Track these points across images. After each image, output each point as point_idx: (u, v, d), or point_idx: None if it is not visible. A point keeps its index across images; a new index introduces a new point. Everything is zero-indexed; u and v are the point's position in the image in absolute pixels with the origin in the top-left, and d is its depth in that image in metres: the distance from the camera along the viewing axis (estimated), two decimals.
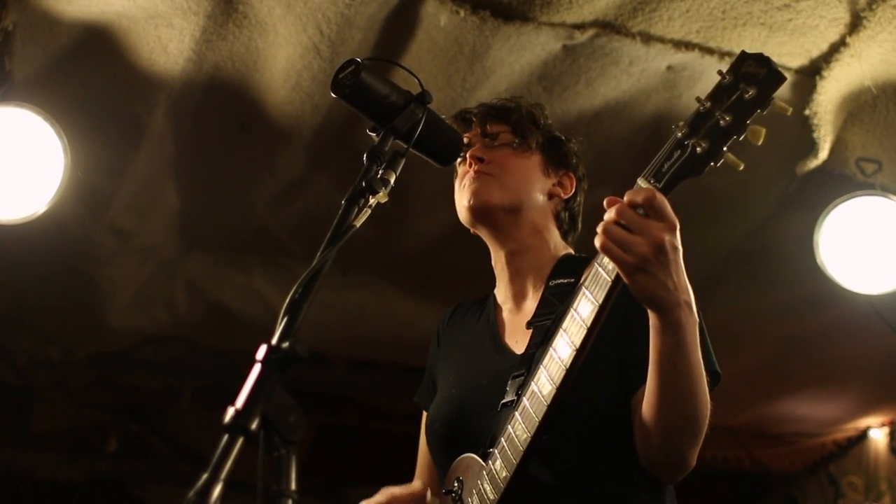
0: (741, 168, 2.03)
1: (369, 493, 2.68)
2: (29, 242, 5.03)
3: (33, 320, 6.46)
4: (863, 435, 7.73)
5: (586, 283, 2.12)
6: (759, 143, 1.98)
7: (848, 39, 4.12)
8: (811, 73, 4.34)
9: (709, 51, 4.23)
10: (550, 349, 2.18)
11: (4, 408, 7.29)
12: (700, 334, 2.16)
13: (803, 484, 8.29)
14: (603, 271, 2.07)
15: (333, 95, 2.28)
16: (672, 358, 2.08)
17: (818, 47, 4.21)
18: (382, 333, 6.45)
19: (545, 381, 2.16)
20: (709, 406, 2.17)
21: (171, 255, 5.78)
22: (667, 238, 1.96)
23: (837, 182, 4.77)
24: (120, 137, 4.79)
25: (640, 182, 2.04)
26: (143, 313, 6.28)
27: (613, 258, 1.98)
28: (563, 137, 2.78)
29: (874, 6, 3.96)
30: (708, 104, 2.01)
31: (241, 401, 1.55)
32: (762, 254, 5.48)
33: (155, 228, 5.51)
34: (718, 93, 2.01)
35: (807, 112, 4.46)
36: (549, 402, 2.13)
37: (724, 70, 2.03)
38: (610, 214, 1.99)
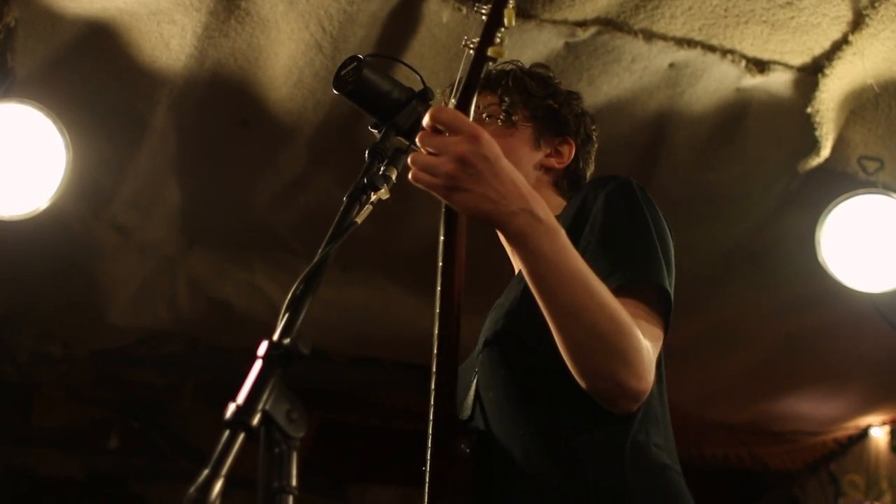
0: (503, 55, 2.02)
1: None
2: (30, 239, 5.03)
3: (34, 316, 6.47)
4: (863, 433, 7.73)
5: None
6: (511, 24, 1.97)
7: (850, 37, 4.12)
8: (813, 71, 4.34)
9: (711, 48, 4.24)
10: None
11: (5, 404, 7.30)
12: (635, 240, 2.15)
13: (804, 482, 8.29)
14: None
15: (335, 92, 2.28)
16: (537, 272, 2.01)
17: (820, 45, 4.21)
18: (384, 330, 6.46)
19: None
20: (624, 319, 2.03)
21: (172, 251, 5.78)
22: (467, 149, 1.91)
23: (839, 180, 4.77)
24: (122, 134, 4.79)
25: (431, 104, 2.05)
26: (144, 310, 6.28)
27: (425, 185, 1.95)
28: (558, 104, 2.71)
29: (877, 4, 3.96)
30: (474, 6, 2.05)
31: (242, 397, 1.55)
32: (763, 252, 5.48)
33: (156, 225, 5.52)
34: None
35: (809, 110, 4.46)
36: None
37: None
38: (416, 145, 1.98)
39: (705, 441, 7.97)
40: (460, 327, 2.16)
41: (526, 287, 2.15)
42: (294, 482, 1.52)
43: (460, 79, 2.02)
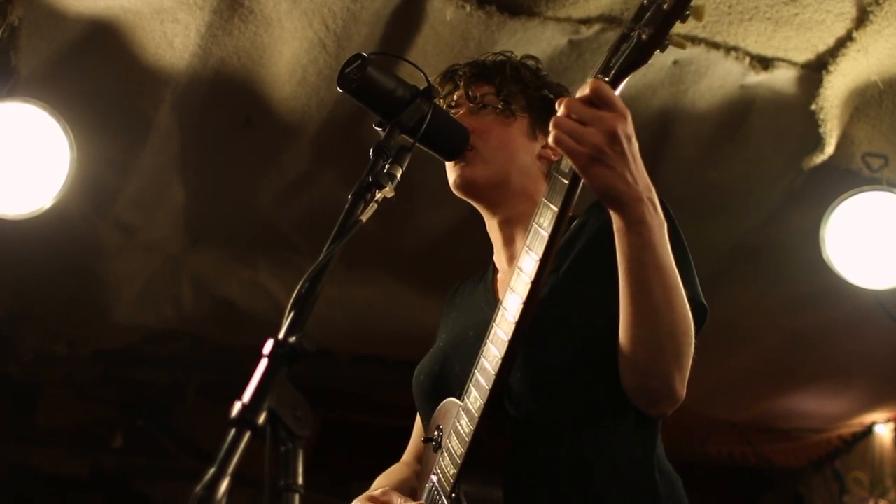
0: (686, 48, 2.02)
1: None
2: (35, 237, 5.03)
3: (39, 315, 6.48)
4: (868, 430, 7.73)
5: (547, 195, 2.08)
6: (703, 20, 1.95)
7: (854, 34, 4.11)
8: (817, 67, 4.34)
9: (715, 45, 4.23)
10: (517, 268, 2.14)
11: (10, 403, 7.31)
12: (679, 254, 2.11)
13: (808, 479, 8.29)
14: (560, 176, 2.04)
15: (339, 90, 2.28)
16: (640, 261, 2.02)
17: (824, 42, 4.20)
18: (388, 329, 6.46)
19: (512, 300, 2.12)
20: (691, 325, 2.09)
21: (176, 250, 5.79)
22: (619, 126, 1.92)
23: (843, 177, 4.76)
24: (126, 132, 4.79)
25: (588, 79, 1.99)
26: (148, 309, 6.28)
27: (568, 150, 1.93)
28: (552, 95, 2.69)
29: (881, 1, 3.95)
30: None
31: (247, 395, 1.55)
32: (768, 249, 5.48)
33: (160, 224, 5.52)
34: None
35: (813, 107, 4.45)
36: (517, 318, 2.10)
37: None
38: (560, 110, 1.95)
39: (710, 438, 7.98)
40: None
41: (565, 280, 2.14)
42: (300, 480, 1.52)
43: (611, 58, 1.99)
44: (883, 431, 7.64)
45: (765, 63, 4.33)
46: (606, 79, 1.97)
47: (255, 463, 1.54)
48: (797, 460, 8.27)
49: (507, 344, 2.11)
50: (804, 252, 4.88)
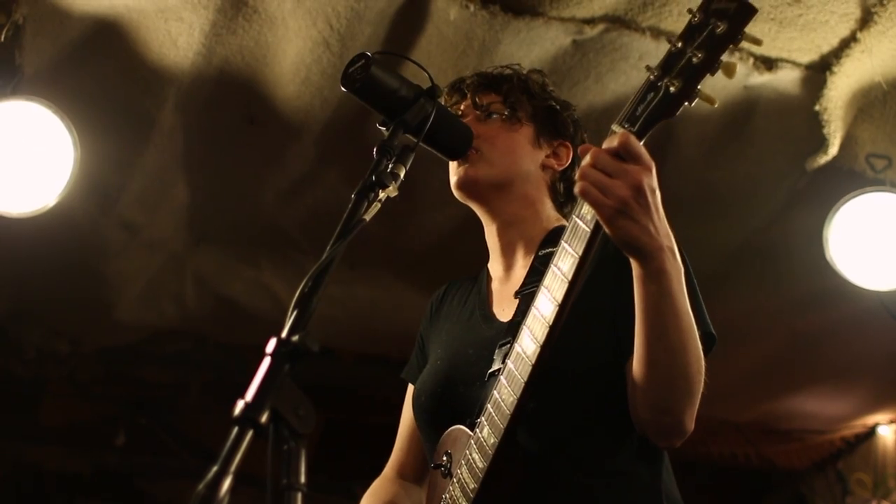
0: (716, 104, 2.01)
1: None
2: (38, 236, 5.04)
3: (42, 313, 6.48)
4: (871, 432, 7.71)
5: (566, 238, 2.08)
6: (732, 77, 1.96)
7: (858, 35, 4.11)
8: (821, 68, 4.33)
9: None
10: (533, 308, 2.14)
11: (13, 400, 7.30)
12: (691, 294, 2.12)
13: (811, 481, 8.27)
14: (581, 223, 2.03)
15: (343, 89, 2.28)
16: (658, 308, 2.04)
17: (828, 43, 4.20)
18: (391, 328, 6.44)
19: (529, 342, 2.12)
20: (703, 364, 2.13)
21: (179, 249, 5.79)
22: (644, 179, 1.92)
23: (847, 178, 4.75)
24: (129, 131, 4.80)
25: (615, 128, 2.00)
26: (151, 307, 6.28)
27: (593, 202, 1.94)
28: (559, 106, 2.73)
29: (885, 1, 3.94)
30: (679, 44, 1.97)
31: (250, 393, 1.55)
32: (771, 250, 5.47)
33: (164, 222, 5.52)
34: (689, 32, 1.97)
35: (817, 108, 4.45)
36: (533, 361, 2.09)
37: (694, 9, 1.98)
38: (586, 160, 1.96)
39: (712, 440, 7.96)
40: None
41: (575, 311, 2.15)
42: (303, 479, 1.52)
43: (637, 107, 2.00)
44: (886, 433, 7.62)
45: (769, 64, 4.33)
46: (633, 129, 1.98)
47: (257, 462, 1.54)
48: (800, 461, 8.26)
49: (523, 385, 2.12)
50: (807, 253, 4.88)
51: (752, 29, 4.20)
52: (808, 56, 4.28)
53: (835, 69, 4.30)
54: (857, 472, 7.81)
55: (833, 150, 4.62)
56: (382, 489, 2.76)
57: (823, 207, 4.70)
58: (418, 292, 5.98)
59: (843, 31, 4.12)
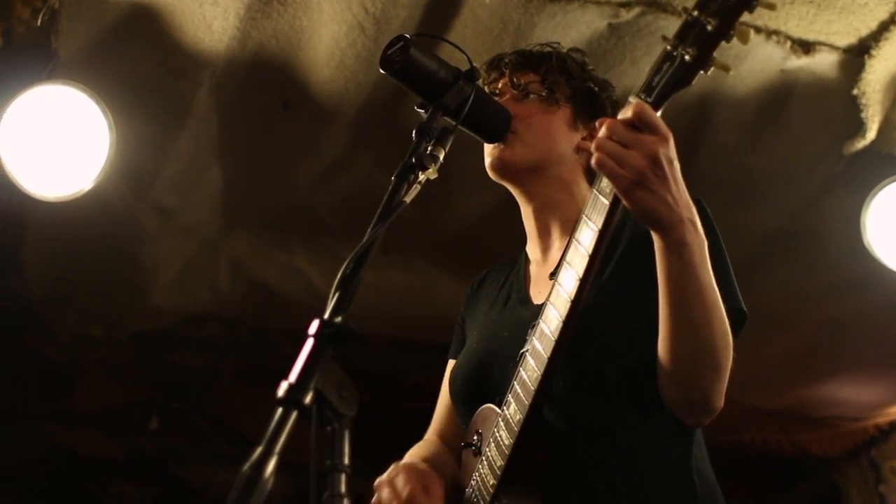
0: (730, 72, 2.02)
1: None
2: (73, 220, 5.07)
3: (77, 297, 6.51)
4: None
5: (586, 211, 2.07)
6: (747, 43, 1.95)
7: None
8: (859, 52, 4.30)
9: (756, 28, 4.19)
10: (556, 284, 2.14)
11: (48, 384, 7.35)
12: (721, 268, 2.12)
13: (844, 468, 8.22)
14: (601, 195, 2.02)
15: (382, 71, 2.29)
16: (681, 281, 2.03)
17: (867, 26, 4.17)
18: (423, 313, 6.45)
19: (553, 317, 2.12)
20: (730, 339, 2.11)
21: (213, 233, 5.80)
22: (661, 150, 1.91)
23: (885, 162, 4.73)
24: (164, 115, 4.81)
25: (631, 99, 1.98)
26: (185, 292, 6.30)
27: (609, 174, 1.93)
28: (597, 88, 2.71)
29: None
30: (695, 13, 1.96)
31: (294, 375, 1.55)
32: (807, 235, 5.44)
33: (198, 207, 5.53)
34: (705, 1, 1.97)
35: (854, 91, 4.41)
36: (556, 336, 2.09)
37: None
38: (602, 132, 1.94)
39: (744, 426, 7.92)
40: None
41: (608, 286, 2.15)
42: (347, 460, 1.52)
43: (654, 77, 1.98)
44: None
45: (806, 47, 4.29)
46: (649, 99, 1.96)
47: (293, 446, 1.54)
48: (833, 449, 8.21)
49: (546, 361, 2.12)
50: (844, 238, 4.85)
51: (789, 11, 4.17)
52: (847, 39, 4.25)
53: (873, 53, 4.26)
54: (890, 460, 7.77)
55: (871, 134, 4.58)
56: (427, 446, 2.80)
57: (860, 192, 4.67)
58: (452, 278, 5.98)
59: (882, 14, 4.09)
